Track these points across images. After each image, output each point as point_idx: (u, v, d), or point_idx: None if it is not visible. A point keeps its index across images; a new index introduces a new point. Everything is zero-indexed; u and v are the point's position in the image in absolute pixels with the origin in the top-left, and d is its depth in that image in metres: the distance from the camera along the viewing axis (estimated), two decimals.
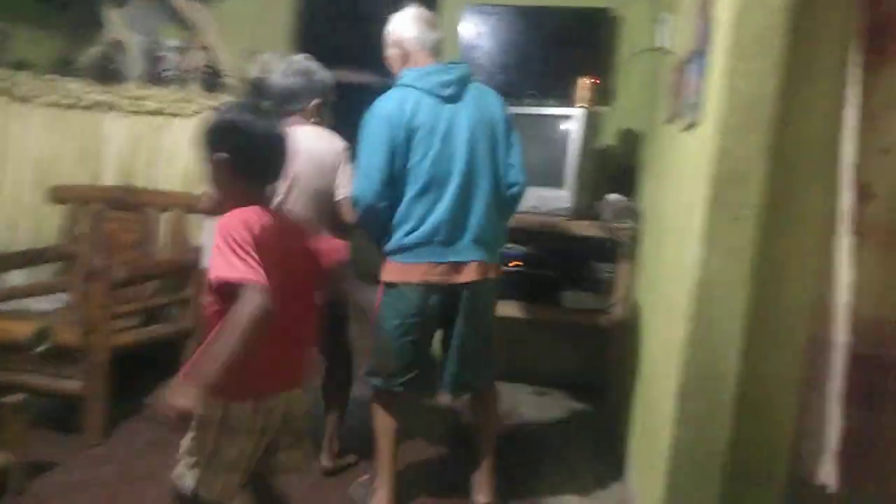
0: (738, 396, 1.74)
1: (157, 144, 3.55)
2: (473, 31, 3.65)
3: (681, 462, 1.78)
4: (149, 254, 3.15)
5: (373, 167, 2.11)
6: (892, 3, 1.62)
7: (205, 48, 3.87)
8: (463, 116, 2.15)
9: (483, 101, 2.21)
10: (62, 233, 3.34)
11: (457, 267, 2.15)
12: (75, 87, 3.65)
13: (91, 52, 3.88)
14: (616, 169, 3.51)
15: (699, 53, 1.98)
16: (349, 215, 2.28)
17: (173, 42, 3.96)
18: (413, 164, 2.11)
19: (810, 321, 1.76)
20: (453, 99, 2.15)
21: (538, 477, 2.62)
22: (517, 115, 3.21)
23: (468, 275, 2.16)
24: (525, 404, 3.37)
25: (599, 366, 3.48)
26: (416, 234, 2.13)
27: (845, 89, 1.67)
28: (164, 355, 3.01)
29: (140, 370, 2.85)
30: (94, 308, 2.46)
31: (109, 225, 3.25)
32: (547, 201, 3.10)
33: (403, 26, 2.24)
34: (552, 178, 3.12)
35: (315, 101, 2.42)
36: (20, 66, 3.77)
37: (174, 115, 3.58)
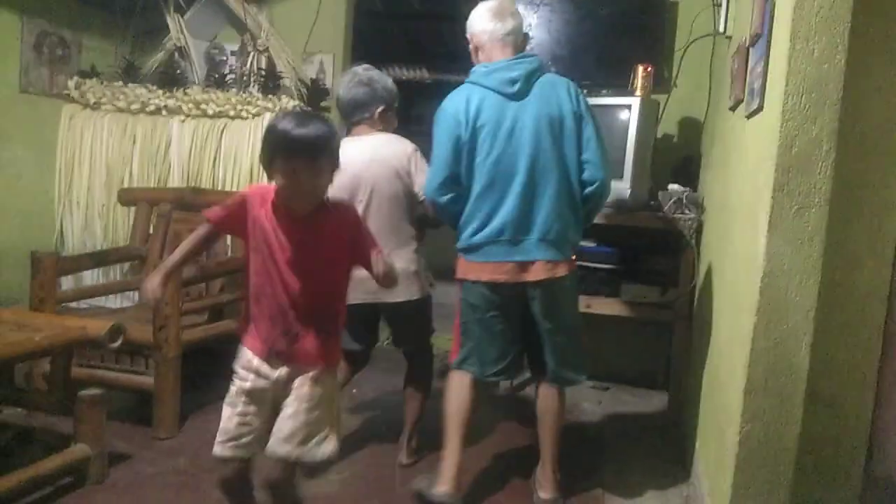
0: (809, 391, 1.68)
1: (220, 146, 3.66)
2: (525, 22, 3.62)
3: (750, 460, 1.73)
4: (215, 252, 3.24)
5: (436, 163, 2.19)
6: None
7: (263, 51, 3.95)
8: (528, 113, 2.13)
9: (550, 95, 2.16)
10: (133, 233, 3.48)
11: (523, 266, 2.16)
12: (141, 92, 3.79)
13: (155, 59, 4.03)
14: (676, 159, 3.44)
15: (761, 37, 1.91)
16: (427, 210, 2.41)
17: (233, 46, 4.07)
18: (478, 162, 2.15)
19: (886, 312, 1.69)
20: (519, 96, 2.15)
21: (600, 474, 2.60)
22: None
23: (535, 274, 2.15)
24: (587, 399, 3.34)
25: (662, 360, 3.42)
26: (482, 233, 2.17)
27: None
28: (232, 350, 3.10)
29: (208, 365, 2.94)
30: (164, 306, 2.55)
31: (177, 225, 3.36)
32: None
33: (475, 19, 2.25)
34: (611, 169, 3.07)
35: (380, 109, 2.52)
36: (89, 74, 3.93)
37: (235, 117, 3.67)
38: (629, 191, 3.04)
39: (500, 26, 2.21)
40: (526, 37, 2.33)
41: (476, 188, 2.16)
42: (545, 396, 2.34)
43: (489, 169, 2.14)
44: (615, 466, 2.65)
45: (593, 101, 3.16)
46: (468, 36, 2.28)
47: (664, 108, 3.39)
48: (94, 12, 4.03)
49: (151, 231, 3.42)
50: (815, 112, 1.60)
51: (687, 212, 3.01)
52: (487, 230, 2.16)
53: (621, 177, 3.04)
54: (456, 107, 2.17)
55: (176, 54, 4.03)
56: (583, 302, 3.15)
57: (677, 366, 3.13)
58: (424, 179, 2.35)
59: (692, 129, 3.48)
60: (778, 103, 1.63)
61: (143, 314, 2.88)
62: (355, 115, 2.54)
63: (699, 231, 3.00)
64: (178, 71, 3.96)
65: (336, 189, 1.75)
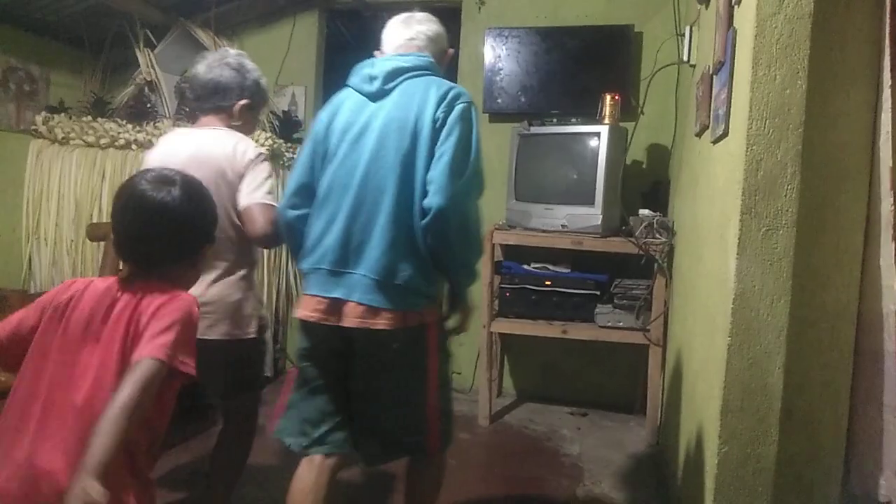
0: (784, 410, 1.70)
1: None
2: (495, 53, 3.68)
3: (729, 481, 1.74)
4: None
5: (293, 174, 1.84)
6: None
7: None
8: (380, 117, 1.71)
9: (413, 98, 1.70)
10: (101, 269, 3.41)
11: (340, 305, 1.69)
12: (111, 127, 3.76)
13: (125, 93, 4.01)
14: (646, 184, 3.50)
15: (724, 64, 1.97)
16: (255, 225, 1.89)
17: None
18: (323, 173, 1.76)
19: (856, 330, 1.72)
20: (378, 96, 1.75)
21: (581, 502, 2.58)
22: (542, 135, 3.27)
23: (346, 318, 1.67)
24: (566, 426, 3.33)
25: (639, 385, 3.43)
26: (310, 256, 1.75)
27: (878, 93, 1.65)
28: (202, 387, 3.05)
29: (178, 401, 2.88)
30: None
31: None
32: (577, 219, 3.09)
33: (384, 31, 1.93)
34: (581, 196, 3.12)
35: (243, 102, 2.04)
36: (57, 109, 3.90)
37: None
38: (600, 216, 3.08)
39: (404, 31, 1.87)
40: (446, 52, 1.95)
41: (316, 199, 1.76)
42: (412, 477, 1.91)
43: (328, 178, 1.74)
44: (595, 492, 2.63)
45: (563, 129, 3.26)
46: (376, 54, 1.90)
47: (632, 136, 3.46)
48: (62, 48, 4.00)
49: (121, 267, 3.36)
50: (778, 136, 1.64)
51: (658, 236, 3.05)
52: (314, 254, 1.74)
53: (592, 203, 3.08)
54: (321, 113, 1.83)
55: (146, 88, 4.01)
56: (559, 328, 3.18)
57: (653, 389, 3.15)
58: (251, 188, 1.91)
59: (660, 155, 3.54)
60: (742, 129, 1.67)
61: None
62: (210, 100, 2.02)
63: (671, 255, 3.04)
64: (149, 105, 3.94)
65: None
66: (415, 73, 1.76)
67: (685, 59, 3.08)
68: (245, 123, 2.08)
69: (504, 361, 3.76)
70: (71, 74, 4.10)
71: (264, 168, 1.97)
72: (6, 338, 1.27)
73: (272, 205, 1.92)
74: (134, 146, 3.71)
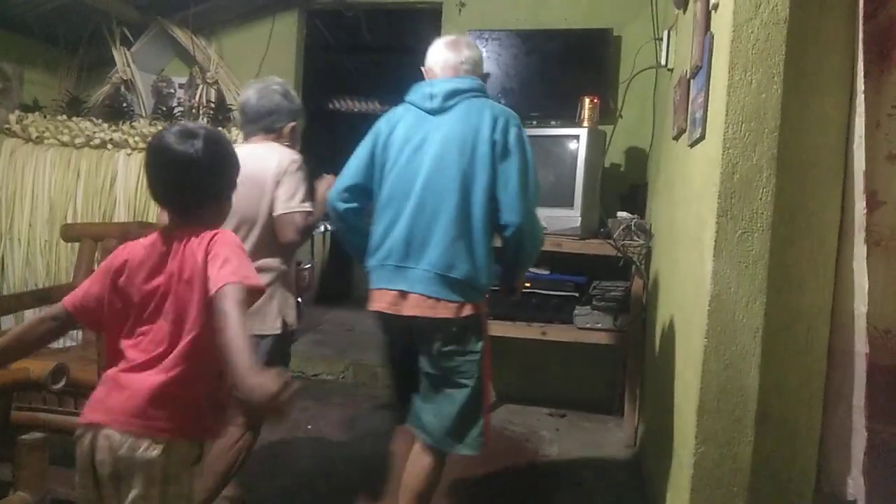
0: (759, 411, 1.72)
1: None
2: None
3: (705, 481, 1.75)
4: None
5: (345, 170, 2.05)
6: (890, 11, 1.62)
7: (212, 83, 3.93)
8: (440, 131, 1.93)
9: (470, 117, 1.93)
10: (76, 270, 3.37)
11: (403, 297, 1.92)
12: (86, 126, 3.71)
13: (100, 92, 3.96)
14: (624, 187, 3.52)
15: (701, 69, 1.99)
16: (287, 232, 2.09)
17: (181, 79, 4.03)
18: (384, 176, 1.99)
19: (829, 332, 1.75)
20: (437, 112, 1.96)
21: (560, 500, 2.59)
22: None
23: (410, 308, 1.91)
24: (545, 427, 3.34)
25: (617, 386, 3.45)
26: (376, 254, 1.99)
27: (851, 98, 1.68)
28: None
29: None
30: None
31: None
32: (556, 221, 3.10)
33: (430, 51, 2.10)
34: (560, 199, 3.13)
35: (292, 125, 2.27)
36: (31, 107, 3.84)
37: None
38: (579, 219, 3.09)
39: (454, 56, 2.05)
40: (486, 76, 2.15)
41: (378, 203, 2.00)
42: (415, 455, 2.00)
43: (390, 183, 1.97)
44: (574, 493, 2.64)
45: (542, 132, 3.26)
46: (424, 70, 2.11)
47: (611, 138, 3.48)
48: (36, 45, 3.95)
49: (96, 268, 3.32)
50: (754, 140, 1.66)
51: (636, 238, 3.08)
52: (379, 252, 1.97)
53: (571, 206, 3.10)
54: (380, 121, 2.06)
55: (122, 87, 3.97)
56: (538, 329, 3.19)
57: (631, 391, 3.17)
58: (286, 196, 2.08)
59: (638, 158, 3.57)
60: (719, 132, 1.69)
61: (88, 353, 2.78)
62: (262, 122, 2.24)
63: (648, 257, 3.06)
64: (125, 104, 3.90)
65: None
66: (470, 94, 1.98)
67: (663, 63, 3.11)
68: (293, 141, 2.31)
69: None
70: (45, 72, 4.05)
71: (299, 176, 2.15)
72: (76, 308, 1.42)
73: (308, 211, 2.12)
74: (110, 146, 3.67)
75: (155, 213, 3.57)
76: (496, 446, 3.07)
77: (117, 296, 1.40)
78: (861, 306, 1.64)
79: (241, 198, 1.90)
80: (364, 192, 2.03)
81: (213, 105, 3.85)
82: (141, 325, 1.38)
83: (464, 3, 3.77)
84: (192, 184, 1.42)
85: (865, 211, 1.63)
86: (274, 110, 2.25)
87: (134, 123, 3.74)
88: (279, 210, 2.09)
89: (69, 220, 3.62)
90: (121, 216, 3.61)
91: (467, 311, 1.91)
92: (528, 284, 3.26)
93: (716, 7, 1.89)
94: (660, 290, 2.75)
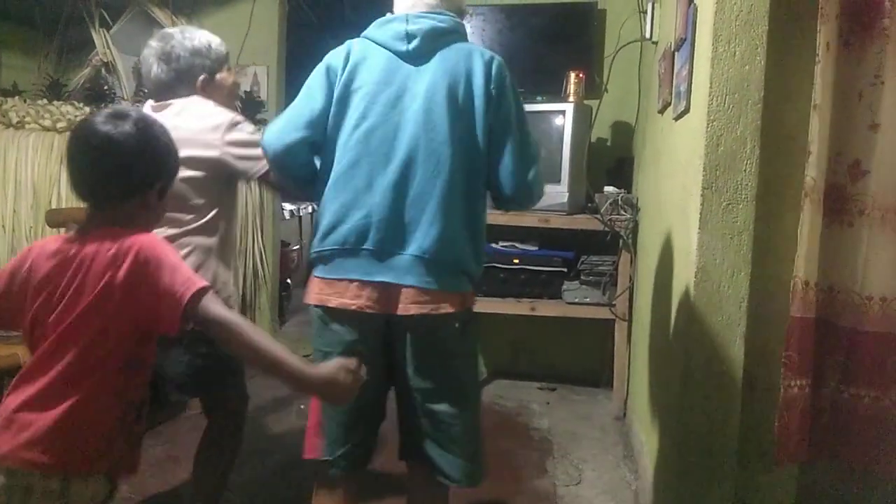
0: (745, 380, 1.75)
1: None
2: None
3: (692, 450, 1.78)
4: None
5: (291, 116, 1.59)
6: None
7: None
8: (424, 80, 1.54)
9: (458, 64, 1.55)
10: None
11: (389, 292, 1.50)
12: (67, 110, 3.66)
13: (81, 75, 3.90)
14: (610, 161, 3.53)
15: (685, 41, 1.99)
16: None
17: None
18: (343, 134, 1.55)
19: (815, 301, 1.77)
20: (416, 57, 1.56)
21: (551, 473, 2.63)
22: None
23: (405, 306, 1.50)
24: (535, 400, 3.38)
25: (606, 359, 3.49)
26: (335, 233, 1.53)
27: (835, 68, 1.69)
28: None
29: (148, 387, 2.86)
30: None
31: None
32: (544, 197, 3.09)
33: None
34: (548, 174, 3.10)
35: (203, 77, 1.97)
36: (11, 92, 3.78)
37: None
38: (567, 194, 3.10)
39: None
40: (463, 14, 1.72)
41: (336, 168, 1.54)
42: (422, 494, 1.67)
43: (356, 143, 1.52)
44: (565, 464, 2.68)
45: (528, 107, 3.23)
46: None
47: (597, 113, 3.48)
48: (14, 28, 3.88)
49: None
50: (738, 112, 1.67)
51: (623, 213, 3.09)
52: (343, 230, 1.52)
53: (559, 181, 3.10)
54: (330, 58, 1.61)
55: (102, 70, 3.91)
56: (527, 305, 3.21)
57: (620, 363, 3.21)
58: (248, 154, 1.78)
59: (624, 132, 3.57)
60: (703, 105, 1.70)
61: None
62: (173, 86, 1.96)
63: (635, 231, 3.08)
64: (106, 87, 3.84)
65: None
66: (454, 38, 1.60)
67: (647, 36, 3.10)
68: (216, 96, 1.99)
69: None
70: (24, 56, 3.98)
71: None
72: None
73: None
74: None
75: None
76: (486, 421, 3.10)
77: (17, 304, 1.23)
78: (811, 273, 1.68)
79: None
80: (314, 148, 1.60)
81: None
82: (39, 344, 1.20)
83: None
84: (116, 169, 1.23)
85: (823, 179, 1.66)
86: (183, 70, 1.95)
87: (115, 106, 3.70)
88: (254, 169, 1.79)
89: (54, 206, 3.59)
90: None
91: (468, 302, 1.58)
92: (516, 261, 3.28)
93: None
94: (647, 263, 2.78)
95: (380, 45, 1.60)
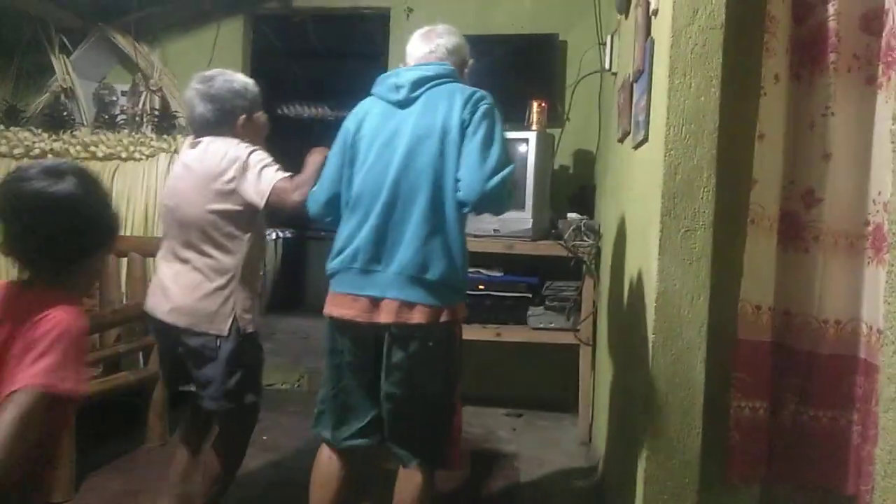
0: (707, 403, 1.77)
1: (112, 189, 3.51)
2: None
3: (656, 473, 1.80)
4: (109, 301, 3.09)
5: (323, 179, 1.95)
6: (819, 17, 1.70)
7: (156, 90, 3.85)
8: (408, 123, 1.82)
9: (439, 105, 1.82)
10: None
11: (374, 303, 1.80)
12: (25, 136, 3.60)
13: (39, 101, 3.84)
14: (573, 188, 3.59)
15: (643, 73, 2.05)
16: (286, 203, 1.99)
17: (123, 86, 3.94)
18: (354, 175, 1.88)
19: (771, 326, 1.81)
20: (405, 104, 1.86)
21: (518, 499, 2.62)
22: None
23: (384, 315, 1.78)
24: (502, 427, 3.37)
25: (571, 383, 3.51)
26: (339, 257, 1.86)
27: (788, 100, 1.75)
28: (129, 404, 2.95)
29: (104, 421, 2.78)
30: None
31: None
32: (508, 224, 3.13)
33: (407, 46, 2.05)
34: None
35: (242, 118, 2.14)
36: None
37: (128, 158, 3.55)
38: (531, 220, 3.14)
39: (424, 45, 1.99)
40: (465, 62, 2.05)
41: (346, 202, 1.89)
42: (401, 479, 1.90)
43: (358, 183, 1.85)
44: (532, 491, 2.68)
45: None
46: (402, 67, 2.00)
47: (559, 141, 3.54)
48: None
49: None
50: (694, 141, 1.72)
51: (586, 239, 3.14)
52: (344, 254, 1.84)
53: (523, 208, 3.13)
54: (347, 120, 1.96)
55: (62, 96, 3.86)
56: (492, 331, 3.22)
57: (584, 388, 3.23)
58: (256, 183, 1.97)
59: (586, 160, 3.64)
60: (661, 134, 1.74)
61: None
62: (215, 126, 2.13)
63: (598, 256, 3.12)
64: (65, 113, 3.79)
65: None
66: (439, 80, 1.87)
67: (607, 67, 3.18)
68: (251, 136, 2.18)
69: None
70: None
71: (259, 156, 2.06)
72: None
73: (289, 175, 2.02)
74: (50, 156, 3.56)
75: None
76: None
77: None
78: (768, 297, 1.73)
79: (186, 202, 2.02)
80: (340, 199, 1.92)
81: (157, 113, 3.78)
82: None
83: (412, 9, 3.78)
84: (45, 233, 1.14)
85: (766, 206, 1.73)
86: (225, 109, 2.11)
87: (75, 132, 3.65)
88: (261, 196, 1.97)
89: None
90: None
91: (445, 316, 1.80)
92: (481, 287, 3.29)
93: (655, 13, 1.95)
94: (610, 288, 2.81)
95: (379, 97, 1.92)
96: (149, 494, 1.98)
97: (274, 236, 5.80)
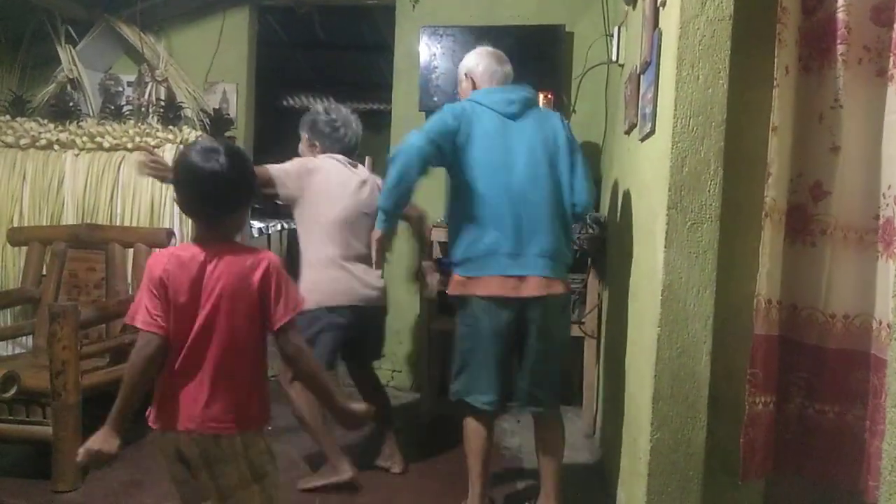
0: (711, 397, 1.77)
1: (118, 180, 3.52)
2: (430, 51, 3.69)
3: (661, 466, 1.80)
4: (115, 291, 3.10)
5: (427, 128, 2.19)
6: (828, 9, 1.68)
7: (161, 81, 3.85)
8: (527, 133, 2.24)
9: (545, 122, 2.30)
10: (24, 275, 3.28)
11: (523, 281, 2.17)
12: (31, 126, 3.60)
13: (45, 91, 3.85)
14: None
15: (650, 64, 2.03)
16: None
17: (129, 77, 3.95)
18: (473, 171, 2.20)
19: (778, 319, 1.80)
20: (516, 117, 2.26)
21: (523, 492, 2.62)
22: None
23: (534, 289, 2.17)
24: (505, 420, 3.37)
25: (575, 376, 3.50)
26: (478, 245, 2.19)
27: (796, 92, 1.73)
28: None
29: (111, 410, 2.79)
30: (61, 350, 2.41)
31: (73, 264, 3.20)
32: None
33: (478, 59, 2.40)
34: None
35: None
36: None
37: (134, 149, 3.55)
38: None
39: (501, 70, 2.38)
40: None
41: (472, 200, 2.19)
42: (542, 429, 2.35)
43: (485, 179, 2.19)
44: (537, 482, 2.67)
45: None
46: (464, 75, 2.41)
47: None
48: None
49: (45, 272, 3.24)
50: (702, 133, 1.71)
51: (591, 231, 3.12)
52: (483, 242, 2.18)
53: None
54: (454, 109, 2.24)
55: (68, 86, 3.86)
56: None
57: (589, 381, 3.22)
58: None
59: (592, 152, 3.62)
60: (668, 126, 1.73)
61: (38, 360, 2.71)
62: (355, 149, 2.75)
63: (603, 249, 3.11)
64: (71, 103, 3.79)
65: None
66: (535, 101, 2.40)
67: (614, 58, 3.16)
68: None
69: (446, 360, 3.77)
70: None
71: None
72: (165, 331, 1.49)
73: None
74: (56, 146, 3.57)
75: (104, 214, 3.49)
76: (458, 441, 3.09)
77: (172, 310, 1.49)
78: (773, 290, 1.71)
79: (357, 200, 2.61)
80: (435, 156, 2.19)
81: (162, 103, 3.78)
82: (192, 344, 1.50)
83: (417, 0, 3.77)
84: (220, 196, 1.52)
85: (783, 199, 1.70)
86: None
87: (81, 123, 3.65)
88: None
89: (16, 224, 3.51)
90: (69, 218, 3.51)
91: (568, 287, 2.32)
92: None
93: (663, 4, 1.93)
94: (615, 281, 2.80)
95: (489, 108, 2.26)
96: (153, 485, 1.98)
97: (279, 227, 5.81)
